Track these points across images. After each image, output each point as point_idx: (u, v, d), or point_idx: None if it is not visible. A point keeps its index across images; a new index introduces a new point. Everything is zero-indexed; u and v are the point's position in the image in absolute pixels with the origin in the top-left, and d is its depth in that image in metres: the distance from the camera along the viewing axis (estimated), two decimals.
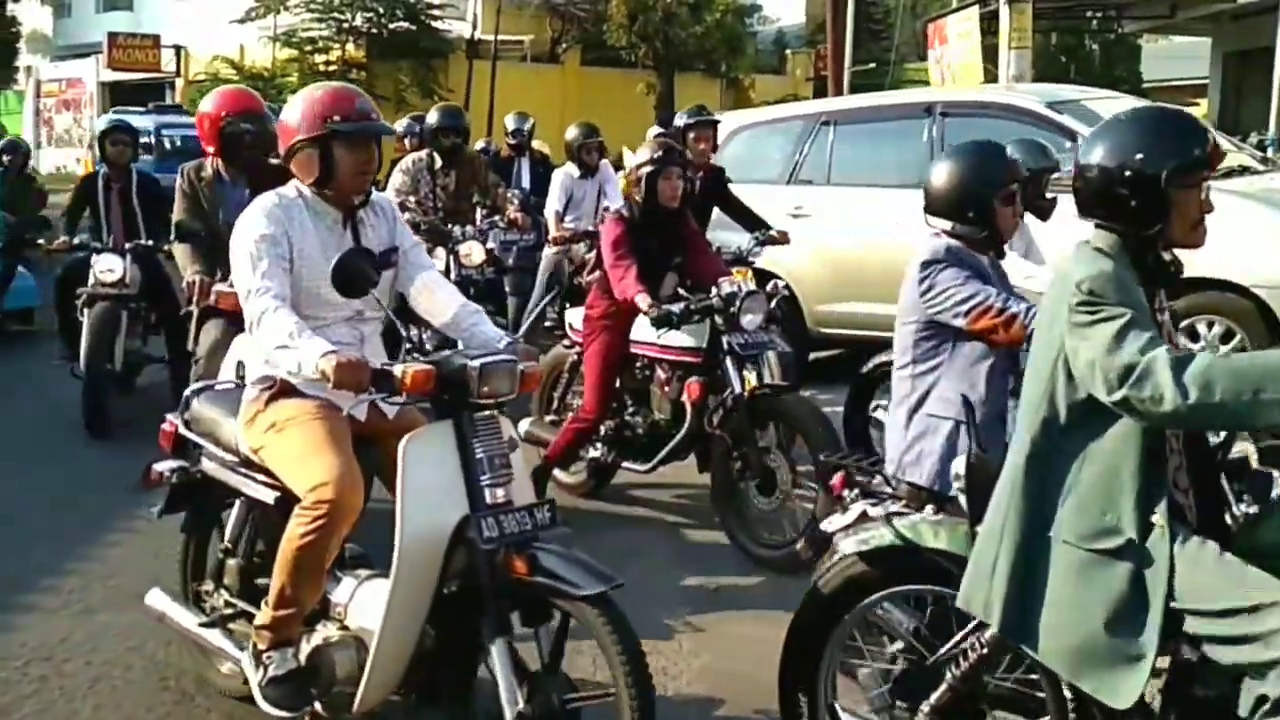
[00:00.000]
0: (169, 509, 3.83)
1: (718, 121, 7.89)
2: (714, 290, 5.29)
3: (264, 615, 3.32)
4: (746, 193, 7.61)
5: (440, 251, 7.28)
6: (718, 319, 5.26)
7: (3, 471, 6.42)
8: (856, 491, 3.15)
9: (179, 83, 32.11)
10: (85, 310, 7.32)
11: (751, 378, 5.40)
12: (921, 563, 2.96)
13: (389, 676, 3.22)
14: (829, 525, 3.15)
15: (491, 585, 3.06)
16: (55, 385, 8.04)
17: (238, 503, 3.64)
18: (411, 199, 7.47)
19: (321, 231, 3.41)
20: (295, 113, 3.39)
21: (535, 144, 11.34)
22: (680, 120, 7.72)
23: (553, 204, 8.86)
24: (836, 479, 3.21)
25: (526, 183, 10.44)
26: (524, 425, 3.40)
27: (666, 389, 5.65)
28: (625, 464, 5.86)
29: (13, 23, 37.50)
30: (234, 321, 4.55)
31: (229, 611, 3.64)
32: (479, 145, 11.70)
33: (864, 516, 3.05)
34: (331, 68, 28.82)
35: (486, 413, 3.15)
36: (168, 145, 17.20)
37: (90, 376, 7.09)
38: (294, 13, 29.35)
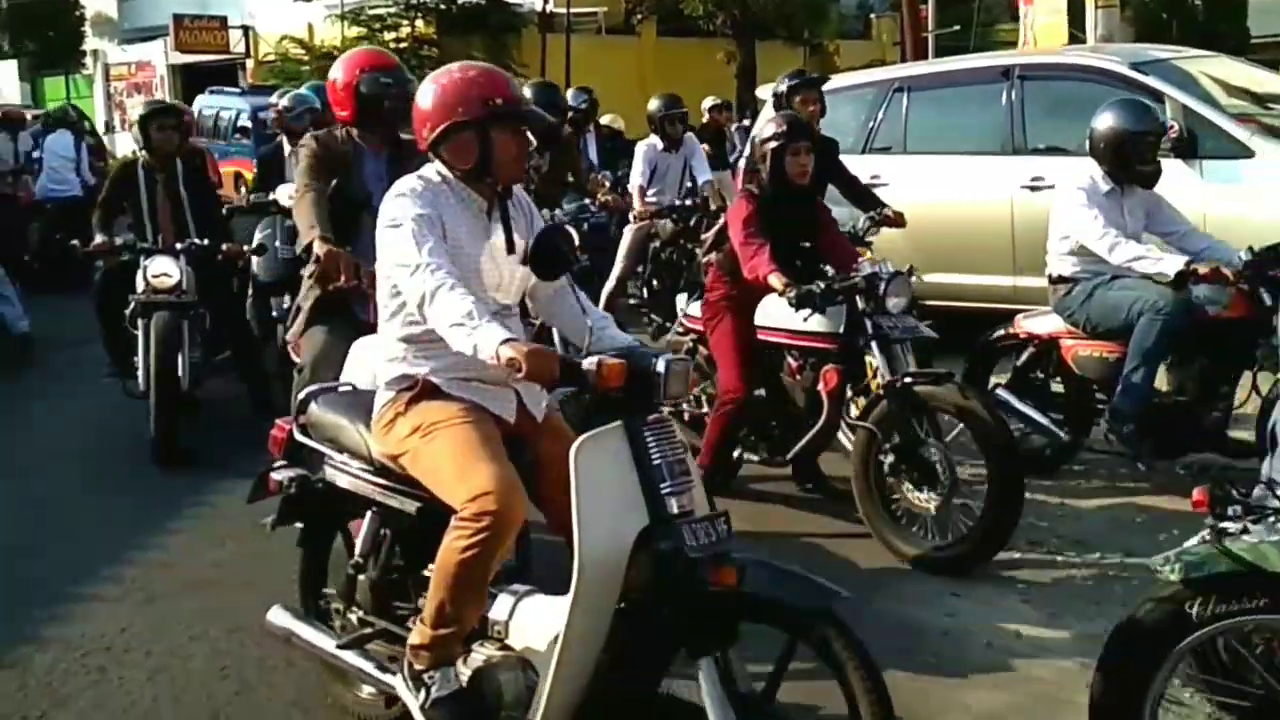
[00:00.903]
0: (283, 520, 3.69)
1: (824, 80, 7.46)
2: (855, 271, 5.09)
3: (421, 634, 3.17)
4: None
5: None
6: (860, 301, 5.04)
7: (65, 458, 6.56)
8: (1238, 509, 2.77)
9: (249, 64, 32.46)
10: (137, 321, 6.75)
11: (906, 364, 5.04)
12: (1267, 588, 2.67)
13: (566, 701, 3.04)
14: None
15: (695, 600, 2.87)
16: (101, 395, 7.61)
17: (369, 514, 3.45)
18: None
19: (469, 220, 3.29)
20: (444, 94, 3.26)
21: (606, 118, 11.28)
22: (781, 85, 7.21)
23: (636, 178, 8.65)
24: (1198, 494, 2.83)
25: (594, 157, 10.42)
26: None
27: (798, 377, 5.45)
28: (750, 457, 5.64)
29: (76, 6, 38.31)
30: (340, 327, 4.57)
31: (367, 631, 3.49)
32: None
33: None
34: (402, 45, 28.91)
35: (661, 415, 3.01)
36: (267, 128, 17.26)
37: (160, 400, 6.44)
38: None
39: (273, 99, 9.63)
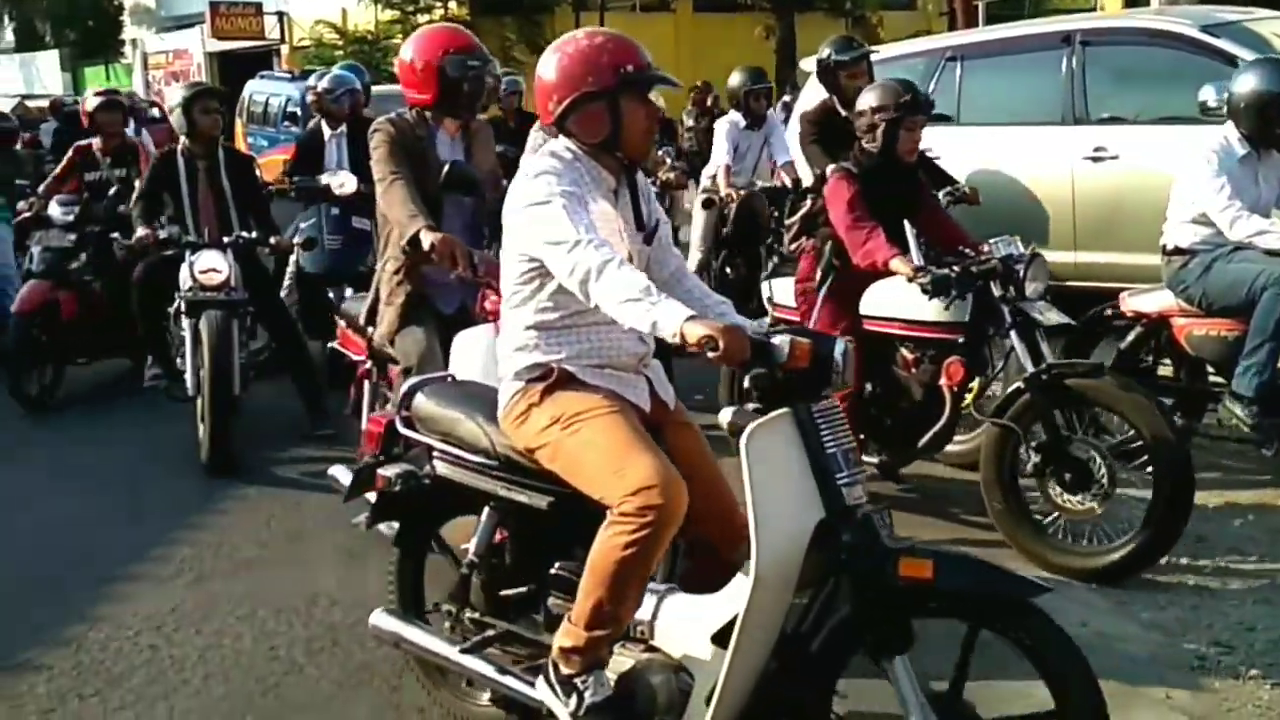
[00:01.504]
0: (377, 518, 3.62)
1: (871, 52, 6.97)
2: (986, 252, 4.72)
3: (573, 636, 3.00)
4: None
5: None
6: (995, 286, 4.67)
7: (117, 440, 6.62)
8: None
9: (284, 49, 32.63)
10: (183, 320, 6.41)
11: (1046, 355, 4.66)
12: None
13: (733, 708, 2.90)
14: None
15: (886, 595, 2.76)
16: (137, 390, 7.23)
17: (485, 511, 3.33)
18: None
19: (600, 196, 3.13)
20: (572, 64, 3.08)
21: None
22: (826, 55, 6.70)
23: (721, 156, 8.29)
24: None
25: None
26: (725, 415, 2.98)
27: (914, 370, 5.10)
28: (867, 459, 5.13)
29: None
30: (430, 322, 4.48)
31: (490, 634, 3.35)
32: None
33: None
34: None
35: (831, 402, 2.87)
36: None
37: (214, 406, 6.03)
38: None
39: (310, 81, 9.53)
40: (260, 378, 6.88)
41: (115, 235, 6.88)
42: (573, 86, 3.06)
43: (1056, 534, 4.61)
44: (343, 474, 4.71)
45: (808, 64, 9.62)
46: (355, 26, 30.13)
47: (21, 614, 4.52)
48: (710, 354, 2.68)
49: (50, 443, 6.87)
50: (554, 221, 2.94)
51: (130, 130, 10.26)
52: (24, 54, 40.50)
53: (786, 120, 9.49)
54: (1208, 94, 6.50)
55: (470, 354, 4.01)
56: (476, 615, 3.39)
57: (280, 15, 32.78)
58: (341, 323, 5.32)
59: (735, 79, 8.50)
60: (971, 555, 2.92)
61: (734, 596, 2.84)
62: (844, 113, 6.37)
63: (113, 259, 7.19)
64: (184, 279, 6.32)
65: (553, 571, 3.17)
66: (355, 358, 5.10)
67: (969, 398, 5.03)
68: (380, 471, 3.48)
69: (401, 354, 4.46)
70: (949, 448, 5.21)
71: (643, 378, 3.20)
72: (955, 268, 4.67)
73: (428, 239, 4.19)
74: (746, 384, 2.84)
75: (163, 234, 6.47)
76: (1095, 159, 7.23)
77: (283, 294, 7.53)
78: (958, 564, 2.84)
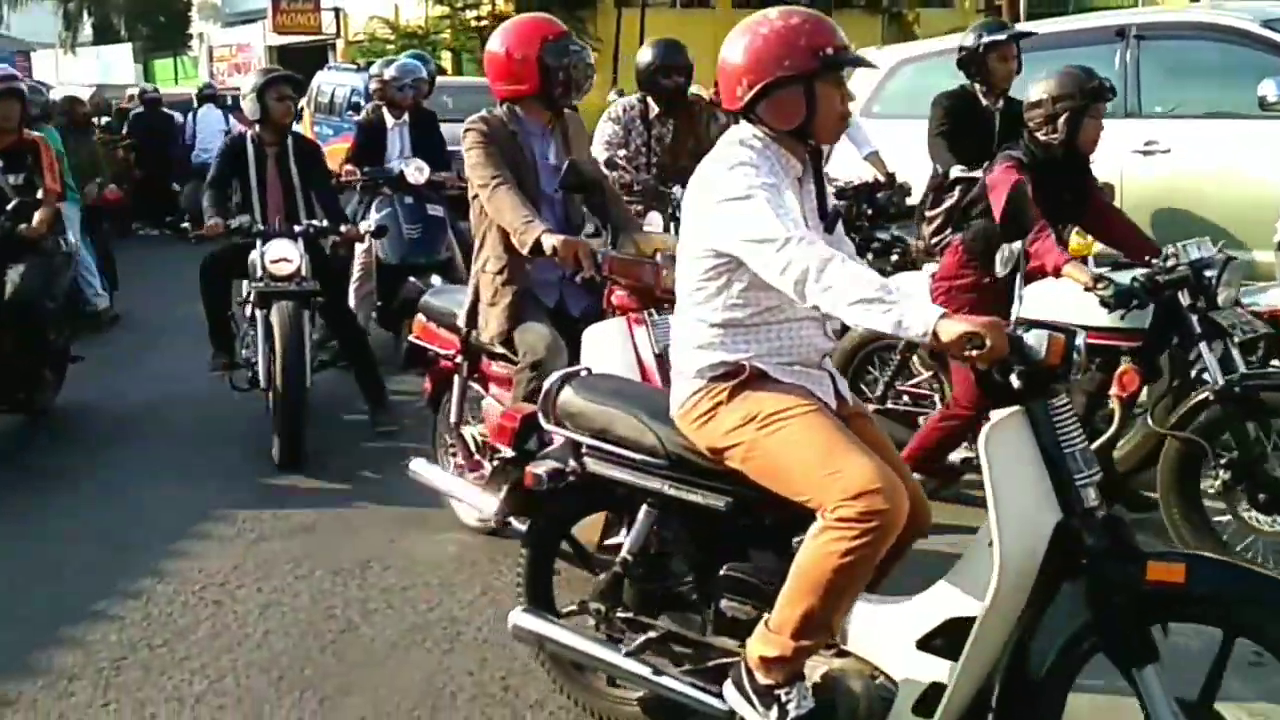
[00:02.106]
0: (511, 514, 3.45)
1: (1026, 34, 6.27)
2: (1173, 257, 4.23)
3: (777, 645, 2.74)
4: (912, 131, 6.79)
5: (656, 218, 5.95)
6: (1184, 295, 4.18)
7: (180, 408, 6.66)
8: None
9: (339, 44, 32.76)
10: (253, 310, 6.05)
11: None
12: None
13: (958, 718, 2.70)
14: None
15: (1134, 602, 2.54)
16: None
17: (643, 510, 3.10)
18: (620, 153, 6.12)
19: (787, 187, 2.83)
20: (767, 45, 2.79)
21: (693, 89, 10.83)
22: (973, 37, 5.99)
23: None
24: None
25: None
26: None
27: (1079, 376, 4.73)
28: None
29: None
30: (544, 318, 4.30)
31: (652, 635, 3.11)
32: (612, 94, 11.04)
33: None
34: (482, 22, 29.05)
35: (1063, 399, 2.63)
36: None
37: (286, 400, 5.64)
38: None
39: (374, 68, 9.14)
40: (331, 365, 6.61)
41: (185, 224, 6.44)
42: (767, 70, 2.78)
43: (1255, 558, 4.09)
44: (424, 467, 4.71)
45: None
46: (407, 22, 30.18)
47: (95, 568, 4.55)
48: (972, 352, 2.44)
49: (118, 412, 6.90)
50: (758, 218, 2.68)
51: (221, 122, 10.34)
52: (100, 47, 40.82)
53: None
54: (1268, 89, 6.23)
55: (603, 348, 3.92)
56: (630, 615, 3.16)
57: (336, 11, 32.89)
58: (422, 316, 4.96)
59: None
60: (1225, 558, 2.69)
61: (941, 602, 2.68)
62: (985, 101, 5.94)
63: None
64: (254, 268, 5.95)
65: (724, 573, 2.94)
66: (442, 352, 4.80)
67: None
68: (531, 469, 3.20)
69: (526, 348, 4.21)
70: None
71: (826, 374, 2.98)
72: (1139, 276, 4.15)
73: (550, 242, 4.00)
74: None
75: (233, 222, 6.04)
76: (1146, 152, 6.95)
77: (352, 286, 7.29)
78: (1212, 567, 2.61)
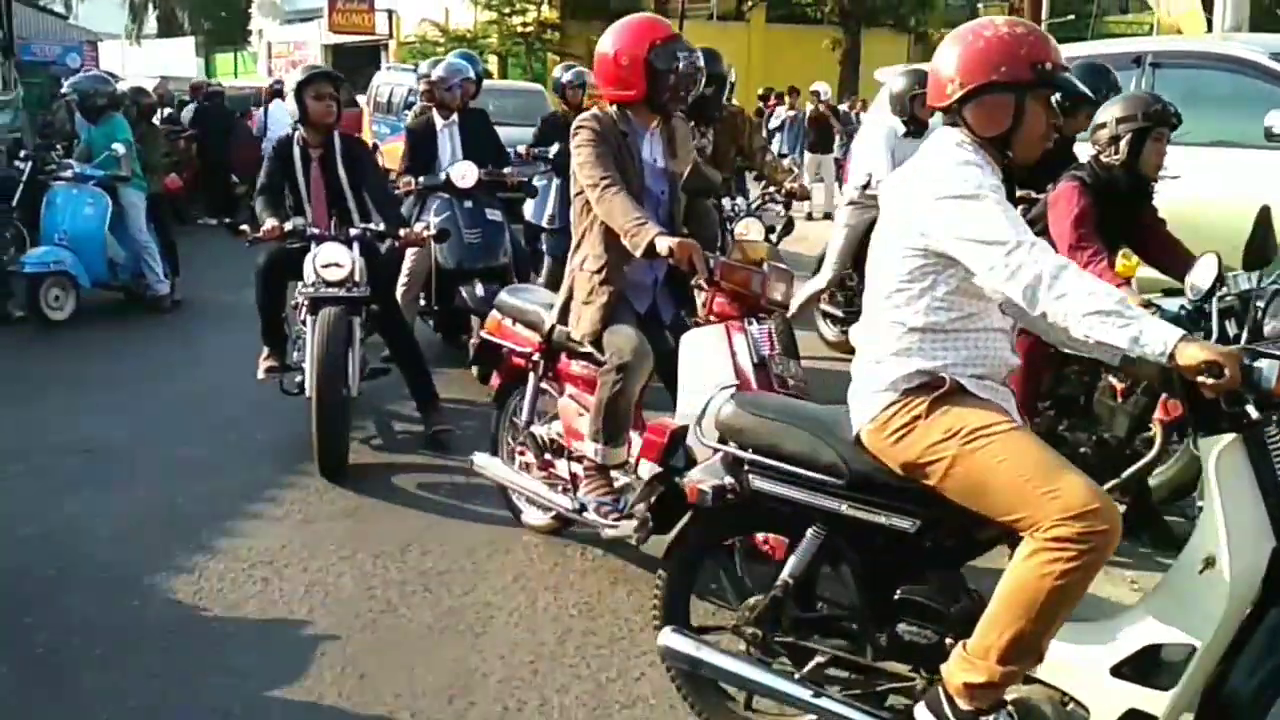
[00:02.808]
0: (654, 530, 3.18)
1: None
2: (1222, 287, 4.06)
3: (981, 671, 2.58)
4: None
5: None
6: (1230, 325, 3.99)
7: (237, 393, 6.67)
8: None
9: (392, 44, 32.82)
10: (303, 314, 5.65)
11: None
12: None
13: None
14: None
15: None
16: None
17: (810, 531, 2.90)
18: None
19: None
20: (987, 49, 2.66)
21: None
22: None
23: (881, 166, 6.88)
24: None
25: None
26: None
27: (1123, 401, 4.47)
28: None
29: None
30: (633, 321, 4.13)
31: (821, 660, 2.93)
32: None
33: None
34: (528, 29, 29.11)
35: (1273, 428, 2.50)
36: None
37: (325, 407, 5.25)
38: None
39: (422, 69, 8.76)
40: (384, 374, 6.22)
41: (244, 227, 5.83)
42: (981, 73, 2.66)
43: None
44: (488, 462, 4.68)
45: (882, 75, 9.42)
46: (457, 26, 30.22)
47: (152, 543, 4.60)
48: (1208, 380, 2.32)
49: (176, 394, 6.96)
50: (987, 219, 2.54)
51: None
52: (164, 40, 41.08)
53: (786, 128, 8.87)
54: (1274, 120, 6.24)
55: (701, 354, 3.82)
56: (790, 639, 2.98)
57: (389, 12, 32.94)
58: (497, 313, 4.76)
59: (899, 82, 7.04)
60: None
61: (1141, 627, 2.57)
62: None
63: None
64: (306, 272, 5.56)
65: (900, 597, 2.80)
66: (518, 349, 4.61)
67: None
68: (696, 484, 2.97)
69: (614, 350, 4.06)
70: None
71: (1010, 391, 2.81)
72: (1186, 304, 4.01)
73: (664, 244, 3.80)
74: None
75: (289, 225, 5.63)
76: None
77: (400, 288, 6.78)
78: None
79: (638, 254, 3.90)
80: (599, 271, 4.16)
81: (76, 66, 15.64)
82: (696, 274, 3.87)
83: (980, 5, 35.09)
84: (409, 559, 4.50)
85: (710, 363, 3.84)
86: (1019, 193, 5.36)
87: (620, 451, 4.14)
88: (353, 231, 5.66)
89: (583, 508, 4.20)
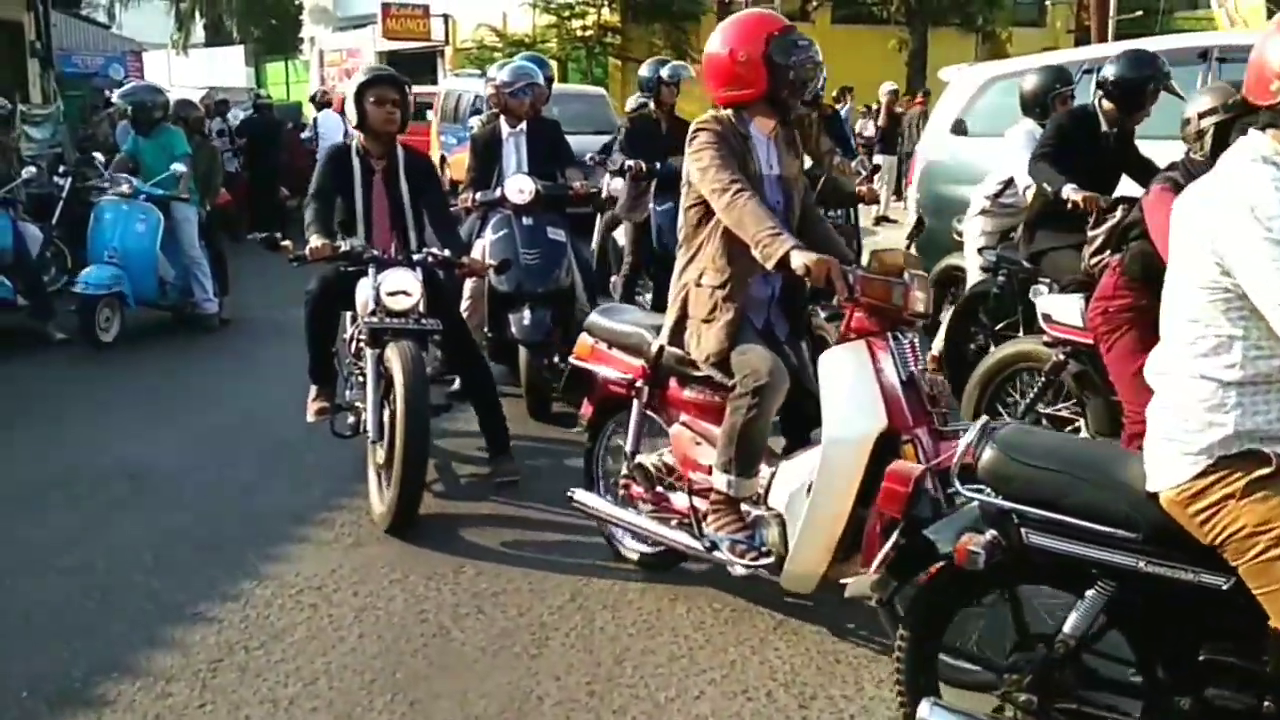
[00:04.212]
0: (900, 585, 3.06)
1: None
2: None
3: None
4: (1001, 147, 6.86)
5: None
6: None
7: (285, 413, 6.68)
8: None
9: (448, 50, 33.09)
10: (358, 347, 5.32)
11: None
12: None
13: None
14: None
15: None
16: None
17: (1093, 590, 2.74)
18: None
19: None
20: None
21: None
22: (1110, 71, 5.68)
23: (1019, 170, 6.44)
24: None
25: None
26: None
27: None
28: None
29: None
30: (758, 340, 3.98)
31: None
32: None
33: None
34: (588, 32, 29.24)
35: None
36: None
37: (409, 459, 4.77)
38: None
39: (490, 72, 8.12)
40: (447, 410, 6.14)
41: (286, 242, 5.28)
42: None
43: None
44: (587, 497, 4.58)
45: (946, 74, 9.34)
46: (514, 31, 30.42)
47: (197, 570, 4.62)
48: None
49: (222, 415, 7.03)
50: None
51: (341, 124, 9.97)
52: (212, 49, 41.78)
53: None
54: None
55: (843, 374, 3.69)
56: (1072, 706, 2.82)
57: (445, 18, 33.23)
58: (588, 338, 4.58)
59: (1034, 80, 6.73)
60: None
61: None
62: (1105, 127, 5.70)
63: None
64: (366, 301, 5.12)
65: (1205, 658, 2.63)
66: (616, 375, 4.44)
67: None
68: (967, 546, 2.73)
69: (747, 372, 3.86)
70: None
71: None
72: None
73: (800, 260, 3.59)
74: None
75: (343, 244, 5.16)
76: None
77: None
78: None
79: (769, 265, 3.67)
80: (721, 287, 3.98)
81: (120, 78, 15.90)
82: (835, 293, 3.63)
83: (1049, 3, 34.87)
84: (462, 580, 4.50)
85: (855, 383, 3.67)
86: (1069, 192, 5.38)
87: (754, 483, 3.96)
88: (416, 256, 5.28)
89: (714, 545, 4.03)
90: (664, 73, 8.14)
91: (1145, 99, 5.52)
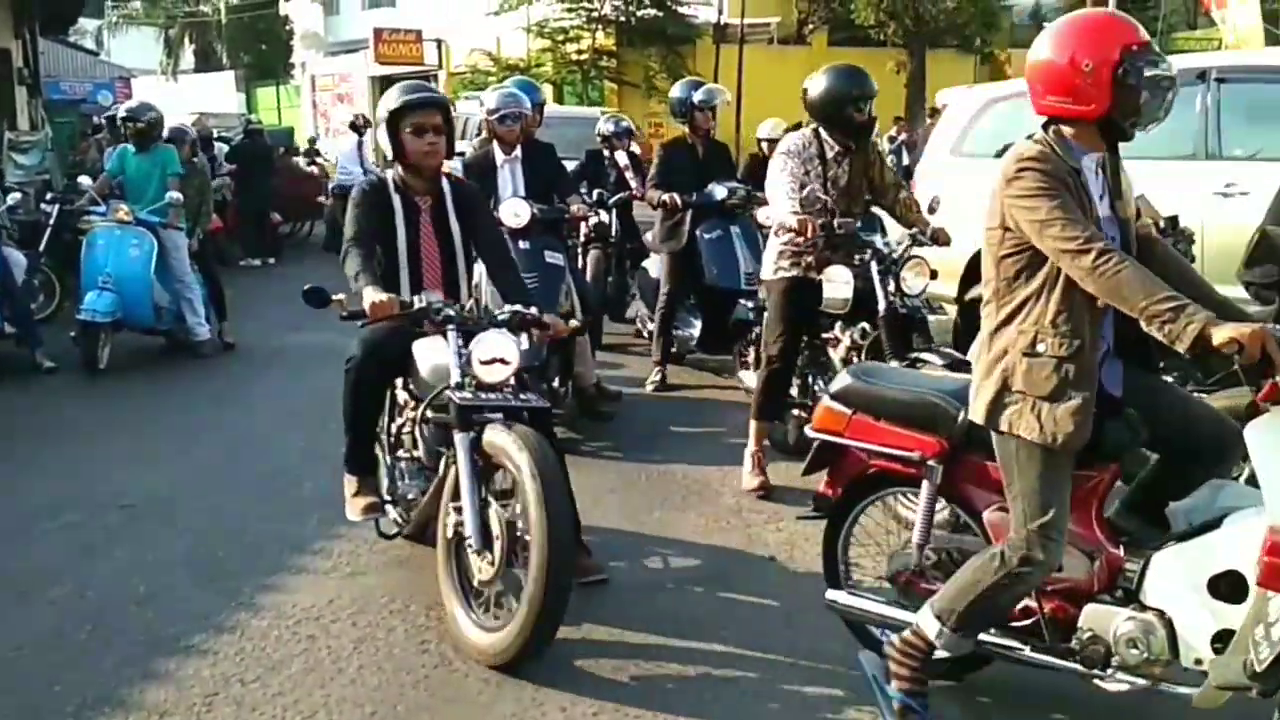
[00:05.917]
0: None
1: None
2: None
3: None
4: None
5: (844, 272, 5.47)
6: None
7: (282, 440, 6.71)
8: None
9: (441, 75, 33.22)
10: (416, 429, 4.61)
11: None
12: None
13: None
14: None
15: None
16: (328, 380, 5.88)
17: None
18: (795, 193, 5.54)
19: None
20: None
21: (766, 127, 10.01)
22: None
23: None
24: None
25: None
26: None
27: None
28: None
29: (286, 21, 39.99)
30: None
31: None
32: (772, 128, 9.80)
33: None
34: (583, 56, 29.41)
35: None
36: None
37: (551, 596, 3.83)
38: (546, 4, 29.97)
39: (482, 97, 7.89)
40: None
41: (339, 297, 4.33)
42: None
43: None
44: (853, 600, 3.86)
45: (945, 96, 9.39)
46: (508, 55, 30.57)
47: (191, 601, 4.59)
48: None
49: (220, 442, 7.00)
50: None
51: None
52: (202, 75, 41.93)
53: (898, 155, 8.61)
54: None
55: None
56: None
57: (438, 42, 33.38)
58: (841, 406, 3.82)
59: None
60: None
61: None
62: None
63: None
64: (450, 368, 4.22)
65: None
66: (900, 452, 3.67)
67: None
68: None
69: (1034, 527, 3.26)
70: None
71: None
72: None
73: (1223, 334, 2.94)
74: None
75: (413, 301, 4.32)
76: (1225, 194, 6.91)
77: None
78: None
79: (1180, 347, 2.99)
80: (1071, 359, 3.25)
81: (108, 104, 15.92)
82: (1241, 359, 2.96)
83: (1046, 24, 34.88)
84: None
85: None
86: None
87: (970, 644, 3.51)
88: (500, 315, 4.42)
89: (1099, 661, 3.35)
90: (697, 97, 7.98)
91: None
